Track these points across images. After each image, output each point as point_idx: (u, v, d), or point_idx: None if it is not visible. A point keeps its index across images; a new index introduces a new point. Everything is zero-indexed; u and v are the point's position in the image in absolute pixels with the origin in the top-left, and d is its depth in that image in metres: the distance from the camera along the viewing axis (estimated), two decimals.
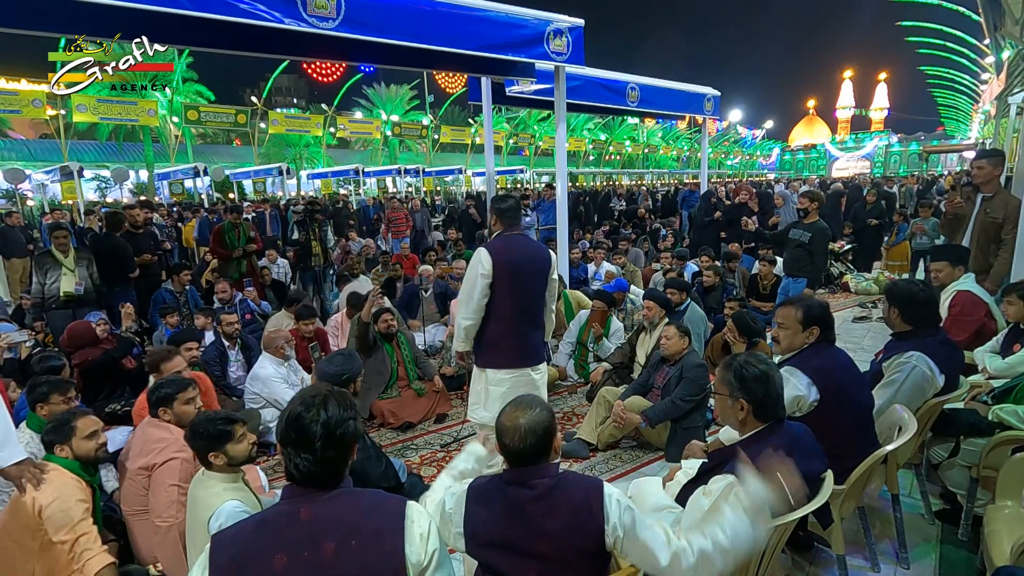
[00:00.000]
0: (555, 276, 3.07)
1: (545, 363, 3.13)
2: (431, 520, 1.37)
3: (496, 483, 1.56)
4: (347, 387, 2.99)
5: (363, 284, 6.97)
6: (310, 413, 1.28)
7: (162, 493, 2.30)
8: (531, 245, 3.04)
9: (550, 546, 1.46)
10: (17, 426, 2.84)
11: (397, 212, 10.57)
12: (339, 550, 1.22)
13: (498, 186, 22.21)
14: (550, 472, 1.52)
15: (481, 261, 2.83)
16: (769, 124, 67.03)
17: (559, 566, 1.47)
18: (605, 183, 28.66)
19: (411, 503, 1.36)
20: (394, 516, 1.31)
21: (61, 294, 4.93)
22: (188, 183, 20.05)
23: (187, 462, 2.38)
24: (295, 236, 7.29)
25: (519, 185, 29.47)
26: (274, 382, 3.87)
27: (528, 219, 9.59)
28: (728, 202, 8.61)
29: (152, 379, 3.13)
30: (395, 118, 33.52)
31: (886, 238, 8.77)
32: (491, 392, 3.00)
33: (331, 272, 7.70)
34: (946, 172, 27.87)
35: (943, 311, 3.44)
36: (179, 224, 11.22)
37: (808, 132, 65.93)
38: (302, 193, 23.93)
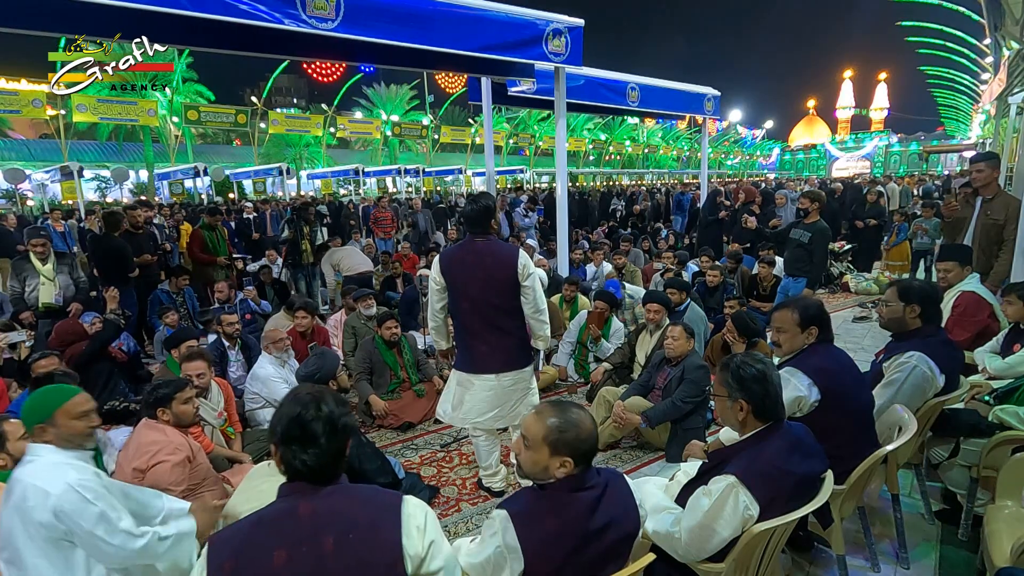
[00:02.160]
0: (529, 283, 2.89)
1: (524, 370, 3.03)
2: (427, 513, 1.38)
3: (549, 499, 1.50)
4: (324, 385, 3.03)
5: (350, 252, 7.03)
6: (310, 411, 1.30)
7: (165, 491, 2.29)
8: (489, 250, 2.88)
9: (620, 533, 1.53)
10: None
11: (384, 212, 10.63)
12: (338, 544, 1.23)
13: (498, 186, 22.22)
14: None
15: (432, 268, 2.99)
16: (769, 124, 67.12)
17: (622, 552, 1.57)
18: (605, 183, 28.66)
19: (407, 497, 1.37)
20: (390, 509, 1.33)
21: (40, 305, 4.71)
22: (188, 183, 20.04)
23: (178, 465, 2.37)
24: (284, 234, 7.41)
25: (519, 184, 29.47)
26: (273, 382, 3.88)
27: (528, 220, 9.62)
28: (728, 202, 8.62)
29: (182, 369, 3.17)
30: (395, 118, 33.52)
31: (886, 238, 8.77)
32: (455, 392, 3.10)
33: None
34: (946, 172, 27.87)
35: (947, 311, 3.45)
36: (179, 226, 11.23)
37: (808, 132, 65.88)
38: (302, 193, 23.94)
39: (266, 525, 1.26)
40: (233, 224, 10.27)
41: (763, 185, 15.75)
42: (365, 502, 1.33)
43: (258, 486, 2.08)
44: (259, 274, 7.07)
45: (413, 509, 1.35)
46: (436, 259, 3.02)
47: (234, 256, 6.88)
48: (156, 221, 8.83)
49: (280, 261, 8.01)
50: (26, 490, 1.69)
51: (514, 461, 1.63)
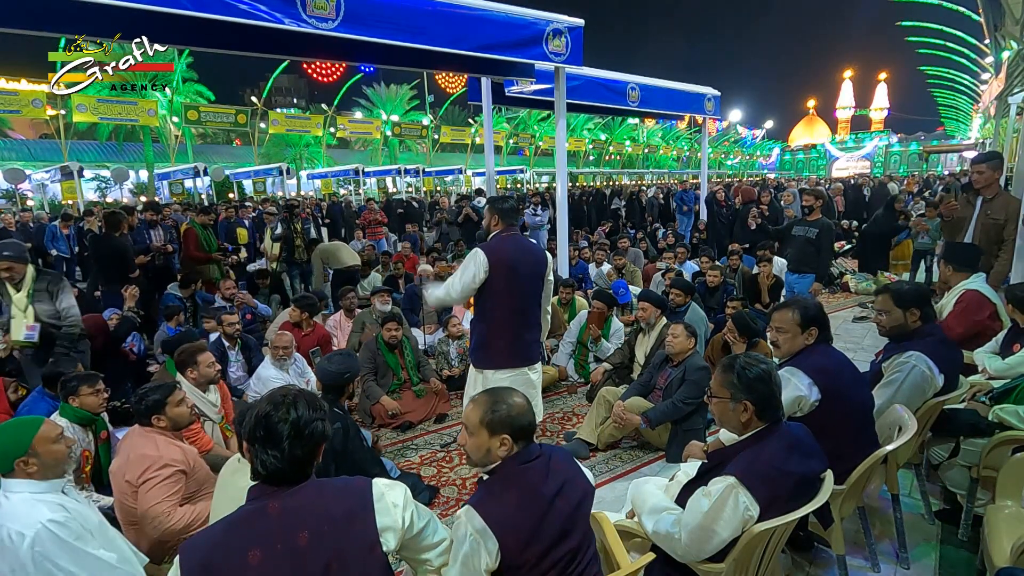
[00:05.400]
0: (551, 277, 3.06)
1: (541, 363, 3.13)
2: (403, 490, 1.43)
3: (502, 477, 1.58)
4: (347, 386, 2.99)
5: (338, 247, 7.16)
6: (279, 412, 1.31)
7: (153, 507, 2.27)
8: (528, 246, 3.02)
9: (577, 493, 1.61)
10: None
11: (373, 214, 10.64)
12: (313, 537, 1.24)
13: (498, 186, 22.22)
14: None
15: (478, 261, 2.85)
16: (769, 124, 67.12)
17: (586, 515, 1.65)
18: (605, 183, 28.67)
19: (376, 480, 1.40)
20: (361, 495, 1.35)
21: (10, 342, 3.57)
22: (188, 183, 20.05)
23: (168, 481, 2.32)
24: (278, 231, 7.45)
25: (519, 185, 29.45)
26: (274, 383, 3.88)
27: (538, 218, 9.64)
28: (728, 202, 8.61)
29: (179, 374, 3.17)
30: (395, 118, 33.52)
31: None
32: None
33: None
34: (946, 172, 27.88)
35: (949, 307, 3.48)
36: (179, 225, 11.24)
37: (808, 132, 65.82)
38: (302, 193, 23.95)
39: (237, 526, 1.26)
40: (247, 223, 10.24)
41: (766, 184, 15.74)
42: (335, 493, 1.35)
43: (231, 480, 2.07)
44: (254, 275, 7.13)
45: (384, 488, 1.39)
46: (480, 252, 2.85)
47: (227, 250, 6.83)
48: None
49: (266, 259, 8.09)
50: (3, 533, 1.68)
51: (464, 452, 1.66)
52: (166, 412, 2.46)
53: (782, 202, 8.32)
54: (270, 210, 7.90)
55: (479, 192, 12.13)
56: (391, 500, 1.37)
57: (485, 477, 1.62)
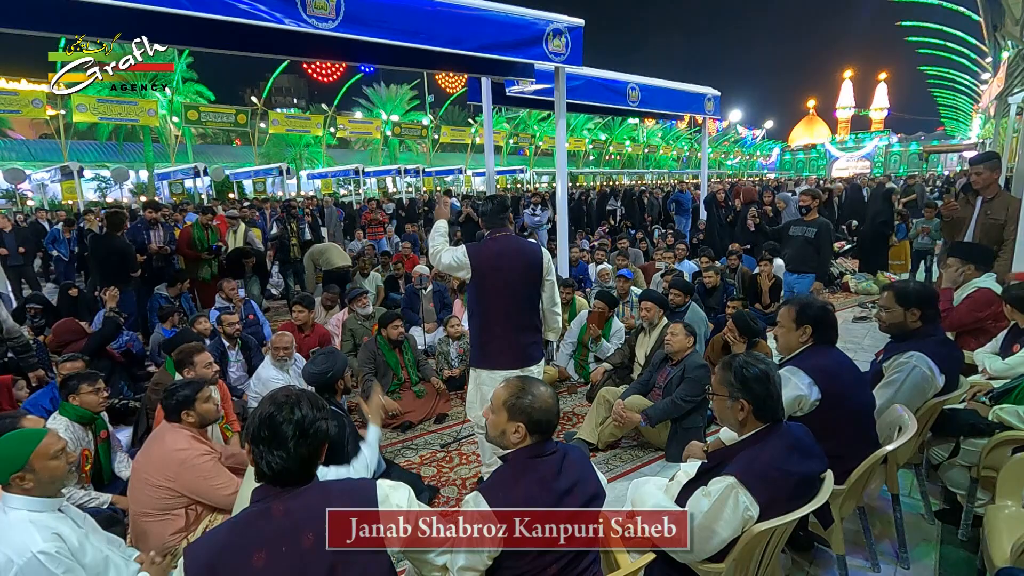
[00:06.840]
0: (551, 277, 3.02)
1: (539, 364, 3.06)
2: (407, 491, 1.43)
3: (514, 466, 1.60)
4: (333, 384, 2.98)
5: (329, 248, 7.22)
6: (283, 412, 1.31)
7: (230, 492, 2.39)
8: (517, 246, 2.94)
9: (587, 493, 1.61)
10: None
11: (373, 214, 10.63)
12: (318, 539, 1.24)
13: (498, 186, 22.25)
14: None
15: (458, 257, 2.85)
16: (769, 124, 67.18)
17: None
18: (605, 183, 28.69)
19: (380, 482, 1.41)
20: (365, 496, 1.36)
21: None
22: (188, 183, 20.04)
23: (216, 463, 2.45)
24: (274, 231, 7.43)
25: (519, 185, 29.44)
26: (274, 383, 3.88)
27: (537, 218, 9.66)
28: (729, 202, 8.61)
29: (177, 374, 3.19)
30: (395, 118, 33.54)
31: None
32: (482, 392, 3.00)
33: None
34: (946, 173, 27.85)
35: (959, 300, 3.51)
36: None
37: (808, 132, 65.89)
38: (302, 193, 23.95)
39: (241, 528, 1.26)
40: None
41: (767, 184, 15.71)
42: (340, 495, 1.34)
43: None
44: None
45: (388, 490, 1.39)
46: (463, 253, 2.85)
47: (211, 249, 6.75)
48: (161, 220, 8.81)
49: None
50: None
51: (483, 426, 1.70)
52: (195, 408, 2.52)
53: (777, 205, 8.31)
54: (231, 213, 7.82)
55: (447, 192, 12.23)
56: (395, 502, 1.38)
57: (485, 474, 1.64)
